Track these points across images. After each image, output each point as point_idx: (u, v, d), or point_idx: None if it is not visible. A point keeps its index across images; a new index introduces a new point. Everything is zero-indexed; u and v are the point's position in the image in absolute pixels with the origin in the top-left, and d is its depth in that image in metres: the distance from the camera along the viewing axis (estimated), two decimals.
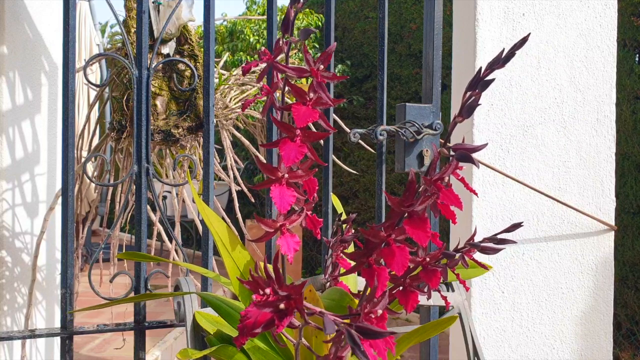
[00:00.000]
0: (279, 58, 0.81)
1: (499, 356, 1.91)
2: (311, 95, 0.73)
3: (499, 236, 0.85)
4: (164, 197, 5.28)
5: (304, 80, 0.80)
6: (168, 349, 3.47)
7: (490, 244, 0.84)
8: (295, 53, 3.03)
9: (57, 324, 2.21)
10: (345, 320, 0.66)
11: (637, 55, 3.85)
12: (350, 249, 1.13)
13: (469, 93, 0.74)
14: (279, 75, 0.81)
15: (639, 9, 3.75)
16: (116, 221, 1.77)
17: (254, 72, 2.39)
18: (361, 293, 0.86)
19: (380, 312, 0.69)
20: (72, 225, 1.46)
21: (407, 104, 1.57)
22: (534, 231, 1.94)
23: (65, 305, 1.45)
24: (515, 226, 0.84)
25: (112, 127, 2.02)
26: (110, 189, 2.11)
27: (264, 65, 0.80)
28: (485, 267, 0.91)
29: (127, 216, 2.00)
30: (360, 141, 1.54)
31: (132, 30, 1.96)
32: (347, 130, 1.67)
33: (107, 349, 3.52)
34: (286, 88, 0.79)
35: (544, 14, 1.95)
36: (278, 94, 0.85)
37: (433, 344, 1.61)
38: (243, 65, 0.87)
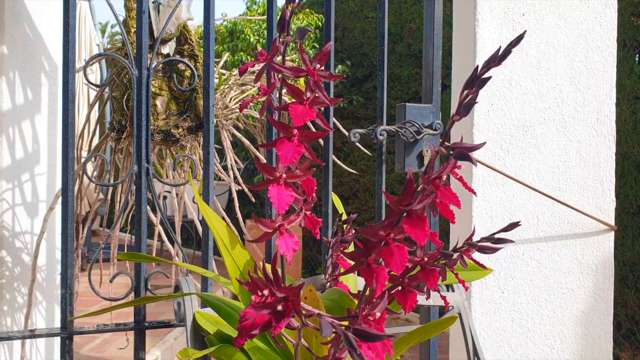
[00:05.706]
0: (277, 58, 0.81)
1: (499, 356, 1.91)
2: (308, 94, 0.73)
3: (496, 236, 0.85)
4: (164, 197, 5.28)
5: (302, 79, 0.80)
6: (168, 349, 3.47)
7: (489, 244, 0.84)
8: (296, 53, 3.03)
9: (57, 324, 2.21)
10: (344, 323, 0.66)
11: (637, 55, 3.85)
12: (350, 249, 1.13)
13: (466, 91, 0.74)
14: (277, 75, 0.81)
15: (639, 9, 3.75)
16: (116, 221, 1.77)
17: (253, 72, 2.39)
18: (361, 293, 0.86)
19: (378, 314, 0.68)
20: (72, 225, 1.46)
21: (407, 104, 1.57)
22: (534, 231, 1.94)
23: (65, 305, 1.45)
24: (513, 225, 0.84)
25: (112, 127, 2.02)
26: (110, 189, 2.11)
27: (262, 65, 0.80)
28: (484, 268, 0.91)
29: (127, 216, 2.00)
30: (357, 143, 1.54)
31: (132, 30, 1.96)
32: (345, 132, 1.67)
33: (107, 349, 3.52)
34: (284, 88, 0.79)
35: (544, 14, 1.95)
36: (277, 93, 0.85)
37: (433, 344, 1.61)
38: (240, 66, 0.87)
